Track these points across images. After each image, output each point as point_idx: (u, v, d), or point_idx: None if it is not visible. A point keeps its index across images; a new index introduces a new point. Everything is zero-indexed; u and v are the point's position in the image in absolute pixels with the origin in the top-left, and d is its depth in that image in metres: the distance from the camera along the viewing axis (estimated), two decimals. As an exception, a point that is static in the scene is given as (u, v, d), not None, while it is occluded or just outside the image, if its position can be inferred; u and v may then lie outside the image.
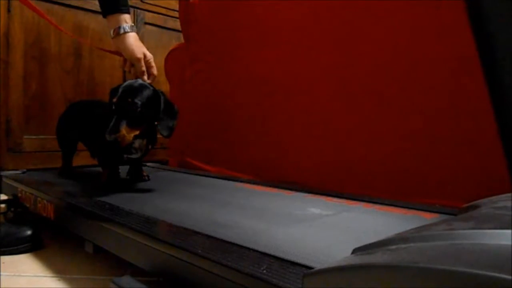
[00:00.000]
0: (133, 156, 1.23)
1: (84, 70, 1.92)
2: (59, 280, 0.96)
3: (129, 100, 1.08)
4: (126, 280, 0.68)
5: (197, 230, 0.76)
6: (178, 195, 1.16)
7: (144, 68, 1.25)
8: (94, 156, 1.45)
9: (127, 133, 1.07)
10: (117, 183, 1.31)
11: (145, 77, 1.25)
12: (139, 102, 1.08)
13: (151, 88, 1.15)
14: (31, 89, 1.73)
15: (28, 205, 1.28)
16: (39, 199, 1.19)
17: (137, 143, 1.19)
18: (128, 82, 1.15)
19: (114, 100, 1.08)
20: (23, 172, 1.59)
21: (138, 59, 1.25)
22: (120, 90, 1.11)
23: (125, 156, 1.23)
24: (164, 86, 2.18)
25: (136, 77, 1.24)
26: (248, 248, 0.65)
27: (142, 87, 1.13)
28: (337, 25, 1.34)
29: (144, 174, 1.40)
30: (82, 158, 1.88)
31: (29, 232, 1.17)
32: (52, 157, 1.79)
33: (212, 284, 0.60)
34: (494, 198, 0.64)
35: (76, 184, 1.32)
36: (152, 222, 0.83)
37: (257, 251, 0.64)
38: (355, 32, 1.29)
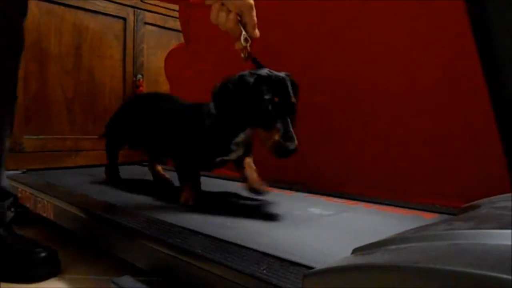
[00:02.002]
0: (231, 156, 1.01)
1: (84, 70, 1.92)
2: (59, 280, 0.96)
3: (292, 99, 0.87)
4: (126, 280, 0.68)
5: (197, 230, 0.76)
6: (178, 195, 1.16)
7: (256, 20, 0.92)
8: (155, 161, 1.36)
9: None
10: (201, 196, 1.06)
11: (257, 31, 0.93)
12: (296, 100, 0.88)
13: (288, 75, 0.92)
14: (31, 89, 1.73)
15: (28, 205, 1.28)
16: (39, 199, 1.19)
17: (240, 137, 0.98)
18: (263, 71, 0.89)
19: (276, 99, 0.85)
20: (23, 172, 1.59)
21: (251, 7, 0.90)
22: (278, 85, 0.87)
23: (218, 159, 1.02)
24: (164, 86, 2.19)
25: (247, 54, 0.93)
26: (248, 248, 0.65)
27: (286, 77, 0.90)
28: (337, 25, 1.34)
29: (260, 184, 1.05)
30: (83, 158, 1.88)
31: (45, 254, 0.98)
32: (52, 157, 1.79)
33: (212, 284, 0.60)
34: (494, 198, 0.64)
35: (76, 184, 1.32)
36: (152, 222, 0.83)
37: (257, 251, 0.64)
38: (350, 30, 1.29)
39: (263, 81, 0.87)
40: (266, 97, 0.84)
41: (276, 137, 0.83)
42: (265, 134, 0.86)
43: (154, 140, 1.22)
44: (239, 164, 1.08)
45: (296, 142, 0.82)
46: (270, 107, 0.84)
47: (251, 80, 0.88)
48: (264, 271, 0.55)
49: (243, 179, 1.06)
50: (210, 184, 1.36)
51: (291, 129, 0.84)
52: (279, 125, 0.84)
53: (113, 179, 1.37)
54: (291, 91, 0.87)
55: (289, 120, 0.85)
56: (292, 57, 1.46)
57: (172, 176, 1.39)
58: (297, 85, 0.93)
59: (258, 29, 0.92)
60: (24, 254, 0.96)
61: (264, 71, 0.89)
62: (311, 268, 0.54)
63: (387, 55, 1.22)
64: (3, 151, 1.04)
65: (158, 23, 2.21)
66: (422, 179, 1.14)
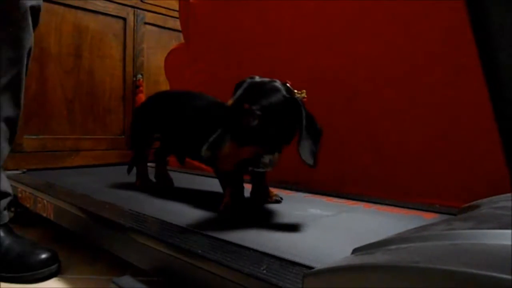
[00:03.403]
0: (260, 169, 0.93)
1: (84, 70, 1.92)
2: (59, 280, 0.96)
3: (246, 106, 0.77)
4: (126, 280, 0.68)
5: (197, 230, 0.76)
6: (178, 195, 1.16)
7: None
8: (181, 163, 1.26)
9: (233, 152, 0.76)
10: (242, 205, 0.98)
11: None
12: (258, 112, 0.77)
13: (285, 93, 0.81)
14: (31, 89, 1.73)
15: (28, 205, 1.28)
16: (39, 199, 1.19)
17: (266, 159, 0.89)
18: (256, 79, 0.83)
19: (229, 102, 0.79)
20: (23, 172, 1.59)
21: None
22: (240, 90, 0.80)
23: (249, 168, 0.94)
24: (164, 86, 2.19)
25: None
26: (248, 248, 0.65)
27: (273, 89, 0.80)
28: (336, 25, 1.34)
29: (273, 194, 1.07)
30: (83, 158, 1.88)
31: (46, 255, 0.98)
32: (52, 157, 1.79)
33: (212, 284, 0.60)
34: (494, 198, 0.64)
35: (76, 184, 1.32)
36: (152, 222, 0.83)
37: (257, 251, 0.64)
38: (349, 30, 1.29)
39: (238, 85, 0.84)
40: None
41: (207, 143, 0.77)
42: None
43: (187, 140, 1.14)
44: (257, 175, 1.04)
45: (216, 152, 0.75)
46: (221, 112, 0.79)
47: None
48: (264, 271, 0.55)
49: (257, 189, 1.06)
50: (204, 183, 1.36)
51: (222, 138, 0.76)
52: (217, 132, 0.78)
53: (145, 184, 1.28)
54: (250, 100, 0.77)
55: (231, 131, 0.77)
56: (292, 54, 1.46)
57: (174, 177, 1.39)
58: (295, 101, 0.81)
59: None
60: (24, 255, 0.96)
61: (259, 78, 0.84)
62: (311, 268, 0.54)
63: (386, 55, 1.22)
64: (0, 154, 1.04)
65: (158, 23, 2.21)
66: (422, 179, 1.14)
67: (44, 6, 1.79)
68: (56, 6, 1.81)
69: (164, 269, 0.71)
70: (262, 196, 1.06)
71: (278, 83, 0.83)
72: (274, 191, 1.09)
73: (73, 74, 1.88)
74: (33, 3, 1.03)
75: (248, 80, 0.83)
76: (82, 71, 1.91)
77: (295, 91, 0.86)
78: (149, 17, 2.15)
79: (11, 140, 1.06)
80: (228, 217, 0.90)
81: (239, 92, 0.80)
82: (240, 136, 0.77)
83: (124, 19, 2.05)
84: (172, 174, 1.44)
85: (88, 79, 1.94)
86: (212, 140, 0.75)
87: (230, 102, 0.79)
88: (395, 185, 1.18)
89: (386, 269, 0.37)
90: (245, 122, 0.77)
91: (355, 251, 0.47)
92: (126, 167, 1.38)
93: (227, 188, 0.98)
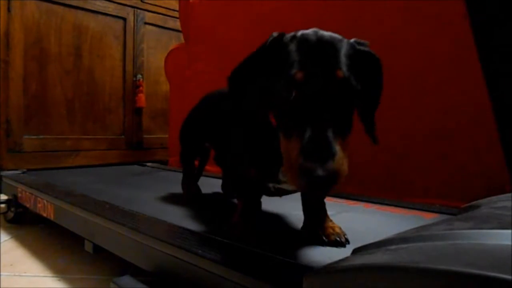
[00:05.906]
0: (285, 187, 0.69)
1: (84, 70, 1.92)
2: (59, 280, 0.96)
3: (339, 73, 0.50)
4: (126, 280, 0.68)
5: (197, 230, 0.76)
6: (178, 195, 1.16)
7: None
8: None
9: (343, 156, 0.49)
10: (254, 224, 0.75)
11: None
12: (353, 77, 0.50)
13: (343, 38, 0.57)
14: (31, 89, 1.74)
15: (28, 205, 1.28)
16: (39, 199, 1.19)
17: None
18: (304, 32, 0.55)
19: (298, 76, 0.49)
20: (23, 172, 1.59)
21: None
22: (306, 48, 0.52)
23: (271, 185, 0.70)
24: (164, 86, 2.19)
25: None
26: (248, 248, 0.65)
27: (336, 38, 0.56)
28: (337, 25, 1.34)
29: (331, 229, 0.71)
30: (83, 158, 1.89)
31: None
32: (52, 157, 1.79)
33: (212, 284, 0.60)
34: (494, 198, 0.64)
35: (76, 184, 1.32)
36: (152, 222, 0.83)
37: (257, 251, 0.64)
38: (350, 29, 1.29)
39: (287, 43, 0.54)
40: (289, 72, 0.49)
41: (294, 153, 0.47)
42: (284, 145, 0.51)
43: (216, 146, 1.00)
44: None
45: (333, 163, 0.46)
46: (288, 92, 0.48)
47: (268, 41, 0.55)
48: (265, 271, 0.55)
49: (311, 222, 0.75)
50: (208, 183, 1.36)
51: (329, 134, 0.46)
52: (302, 129, 0.47)
53: (191, 194, 1.10)
54: (339, 60, 0.50)
55: (331, 117, 0.47)
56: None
57: (175, 178, 1.39)
58: (376, 58, 0.56)
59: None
60: None
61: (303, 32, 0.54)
62: (311, 268, 0.54)
63: (389, 52, 1.22)
64: None
65: (158, 23, 2.21)
66: (422, 179, 1.14)
67: (44, 6, 1.81)
68: (56, 6, 1.81)
69: (164, 269, 0.71)
70: (313, 227, 0.72)
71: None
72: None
73: (73, 74, 1.88)
74: None
75: (300, 34, 0.54)
76: (82, 71, 1.91)
77: None
78: (149, 17, 2.15)
79: None
80: (235, 235, 0.70)
81: (307, 50, 0.51)
82: (342, 124, 0.49)
83: (124, 19, 2.05)
84: (173, 174, 1.44)
85: (88, 79, 1.94)
86: (312, 145, 0.46)
87: (299, 74, 0.48)
88: (395, 185, 1.18)
89: (386, 269, 0.37)
90: (343, 100, 0.49)
91: (355, 251, 0.47)
92: (126, 167, 1.37)
93: (239, 201, 0.77)
